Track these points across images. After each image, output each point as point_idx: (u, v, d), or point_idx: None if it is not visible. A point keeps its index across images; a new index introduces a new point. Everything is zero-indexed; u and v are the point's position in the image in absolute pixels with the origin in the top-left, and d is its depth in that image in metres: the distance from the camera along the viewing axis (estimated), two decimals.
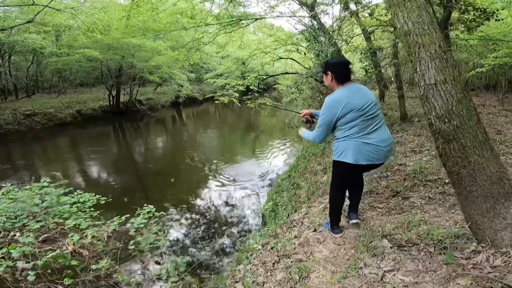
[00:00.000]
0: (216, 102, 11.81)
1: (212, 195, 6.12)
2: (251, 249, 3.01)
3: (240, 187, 6.38)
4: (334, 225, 2.74)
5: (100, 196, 3.60)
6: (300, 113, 2.98)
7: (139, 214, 3.20)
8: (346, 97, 2.23)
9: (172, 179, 7.07)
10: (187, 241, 4.27)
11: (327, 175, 4.60)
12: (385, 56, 6.90)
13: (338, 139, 2.36)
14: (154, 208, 3.36)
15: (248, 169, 7.57)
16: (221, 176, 7.10)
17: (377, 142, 2.27)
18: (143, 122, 15.90)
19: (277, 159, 8.28)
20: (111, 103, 16.24)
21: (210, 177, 7.14)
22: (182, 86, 18.29)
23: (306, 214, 3.48)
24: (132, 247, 2.87)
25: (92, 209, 3.26)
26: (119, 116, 16.13)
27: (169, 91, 20.50)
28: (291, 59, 11.47)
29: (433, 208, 2.84)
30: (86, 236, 2.70)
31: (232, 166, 7.84)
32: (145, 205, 3.40)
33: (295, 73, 9.13)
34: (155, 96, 20.09)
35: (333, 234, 2.74)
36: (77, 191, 3.58)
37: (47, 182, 3.57)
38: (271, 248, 2.83)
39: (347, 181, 2.64)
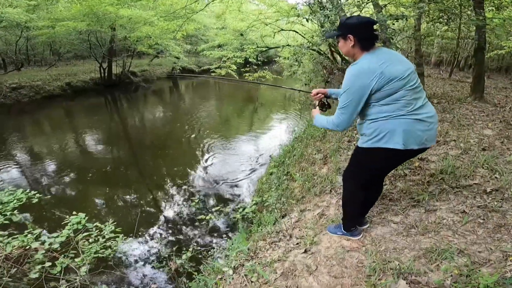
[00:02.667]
0: (213, 74, 10.95)
1: (200, 178, 5.41)
2: (220, 272, 2.28)
3: (232, 171, 5.65)
4: (352, 226, 2.18)
5: (35, 192, 2.81)
6: (311, 93, 2.22)
7: (67, 224, 2.42)
8: (379, 65, 1.65)
9: (159, 155, 6.51)
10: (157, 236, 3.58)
11: (327, 167, 3.80)
12: (404, 28, 5.86)
13: (374, 119, 1.77)
14: (86, 217, 2.55)
15: (243, 147, 6.98)
16: (214, 155, 6.43)
17: (428, 118, 1.74)
18: (137, 94, 15.25)
19: (274, 136, 7.51)
20: (102, 75, 15.39)
21: (203, 156, 6.44)
22: (178, 58, 17.43)
23: (297, 221, 2.72)
24: (35, 275, 2.09)
25: (16, 211, 2.50)
26: (111, 88, 15.49)
27: (165, 62, 19.59)
28: (294, 31, 10.53)
29: (470, 229, 2.05)
30: None
31: (227, 144, 7.17)
32: (74, 212, 2.61)
33: (297, 46, 8.14)
34: (151, 67, 19.23)
35: (353, 238, 2.18)
36: (8, 187, 2.79)
37: None
38: (245, 276, 2.09)
39: (375, 178, 2.05)
